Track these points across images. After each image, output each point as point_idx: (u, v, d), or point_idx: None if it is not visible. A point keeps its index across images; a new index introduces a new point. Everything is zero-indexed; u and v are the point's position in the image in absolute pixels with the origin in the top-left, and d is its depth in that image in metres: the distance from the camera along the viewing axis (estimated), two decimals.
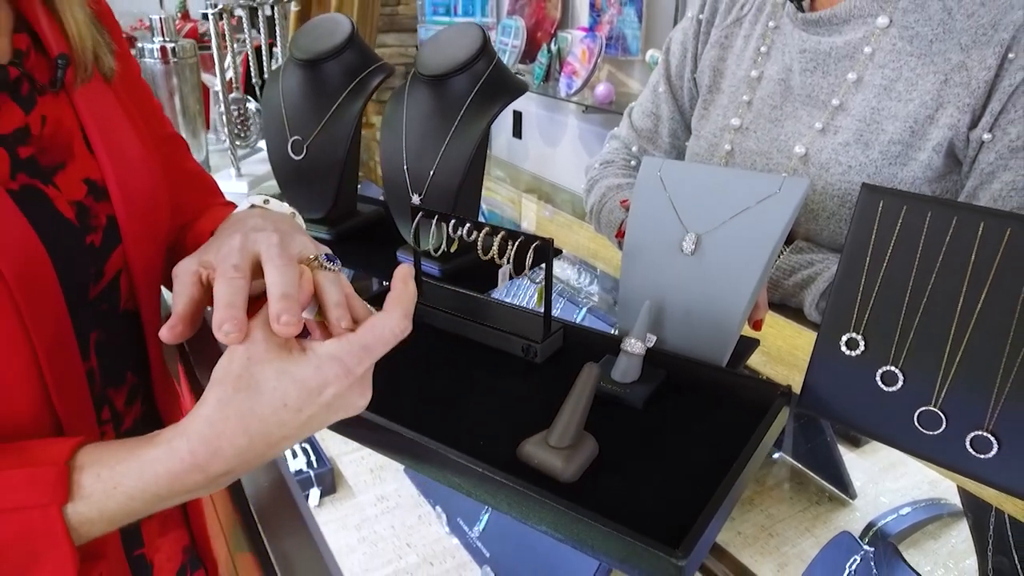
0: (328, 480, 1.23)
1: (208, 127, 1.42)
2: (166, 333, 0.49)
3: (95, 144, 0.59)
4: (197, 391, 0.84)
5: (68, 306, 0.54)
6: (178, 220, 0.72)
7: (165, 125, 0.78)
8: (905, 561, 0.67)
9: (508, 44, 2.94)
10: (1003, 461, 0.57)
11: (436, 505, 0.89)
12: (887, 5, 0.83)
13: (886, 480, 0.93)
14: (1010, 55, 0.74)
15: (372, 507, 1.05)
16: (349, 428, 0.64)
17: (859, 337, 0.62)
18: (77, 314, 0.55)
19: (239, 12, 1.26)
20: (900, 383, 0.61)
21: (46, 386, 0.52)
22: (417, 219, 0.75)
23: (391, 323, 0.46)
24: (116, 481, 0.45)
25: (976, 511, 0.80)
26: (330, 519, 1.23)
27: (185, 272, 0.51)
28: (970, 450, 0.58)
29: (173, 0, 2.99)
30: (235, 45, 1.34)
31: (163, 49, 1.22)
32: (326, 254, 0.51)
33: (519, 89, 0.87)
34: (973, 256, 0.56)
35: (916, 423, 0.60)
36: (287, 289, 0.46)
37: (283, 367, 0.44)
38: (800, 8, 0.89)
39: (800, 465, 0.96)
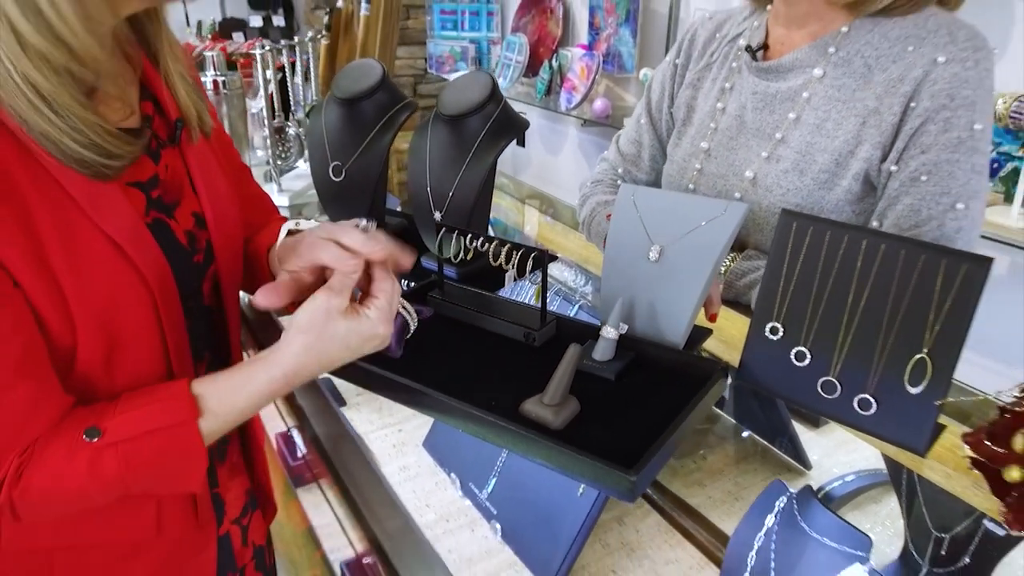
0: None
1: (249, 146, 1.62)
2: (262, 296, 0.72)
3: (198, 187, 0.77)
4: None
5: (182, 304, 0.73)
6: (251, 214, 0.91)
7: (236, 157, 0.97)
8: (817, 499, 0.85)
9: (512, 59, 3.12)
10: (879, 417, 0.76)
11: (451, 473, 1.08)
12: (821, 59, 1.02)
13: (839, 455, 1.12)
14: (912, 104, 0.94)
15: (395, 476, 1.25)
16: (395, 393, 0.84)
17: (779, 325, 0.82)
18: (185, 310, 0.74)
19: (282, 48, 1.46)
20: (808, 360, 0.80)
21: (168, 352, 0.71)
22: (441, 233, 0.95)
23: (396, 286, 0.71)
24: (231, 399, 0.67)
25: (895, 473, 0.99)
26: None
27: (283, 275, 0.73)
28: (857, 409, 0.78)
29: (200, 15, 3.19)
30: (275, 75, 1.54)
31: (215, 83, 1.42)
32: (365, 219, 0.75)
33: (521, 127, 1.07)
34: (859, 265, 0.76)
35: (819, 389, 0.80)
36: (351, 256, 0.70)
37: (349, 324, 0.68)
38: (755, 58, 1.09)
39: (765, 442, 1.16)
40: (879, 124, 0.96)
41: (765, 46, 1.08)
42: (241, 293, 0.90)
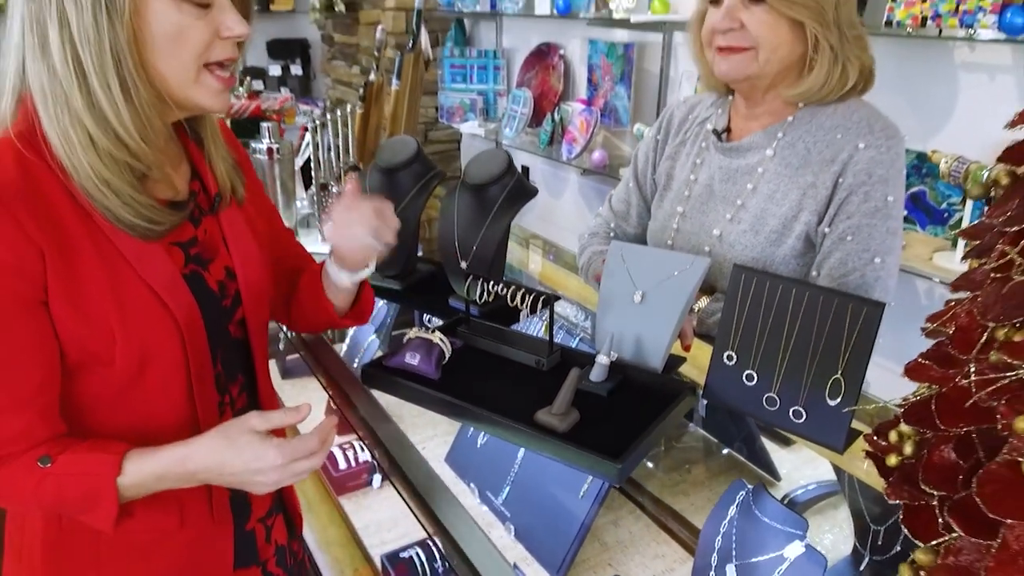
0: (383, 469, 1.65)
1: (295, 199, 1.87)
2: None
3: (231, 247, 0.95)
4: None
5: (208, 339, 0.89)
6: (288, 263, 1.12)
7: (267, 201, 1.13)
8: (769, 493, 1.08)
9: (518, 111, 3.37)
10: (809, 424, 1.00)
11: (470, 483, 1.28)
12: (772, 142, 1.28)
13: (806, 469, 1.33)
14: (840, 180, 1.19)
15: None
16: (435, 405, 1.07)
17: (734, 353, 1.06)
18: (212, 342, 0.90)
19: (327, 121, 1.72)
20: (755, 380, 1.04)
21: (191, 384, 0.88)
22: (468, 280, 1.20)
23: (307, 445, 0.84)
24: (144, 472, 0.82)
25: (840, 477, 1.21)
26: (388, 496, 1.66)
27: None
28: (792, 418, 1.01)
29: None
30: (314, 138, 1.79)
31: (269, 150, 1.69)
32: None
33: (532, 194, 1.32)
34: (791, 308, 1.00)
35: (764, 403, 1.04)
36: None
37: (252, 442, 0.82)
38: (720, 140, 1.34)
39: (741, 458, 1.38)
40: (815, 195, 1.21)
41: (728, 130, 1.34)
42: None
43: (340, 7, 4.16)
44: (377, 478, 1.61)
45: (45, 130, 0.79)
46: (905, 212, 1.93)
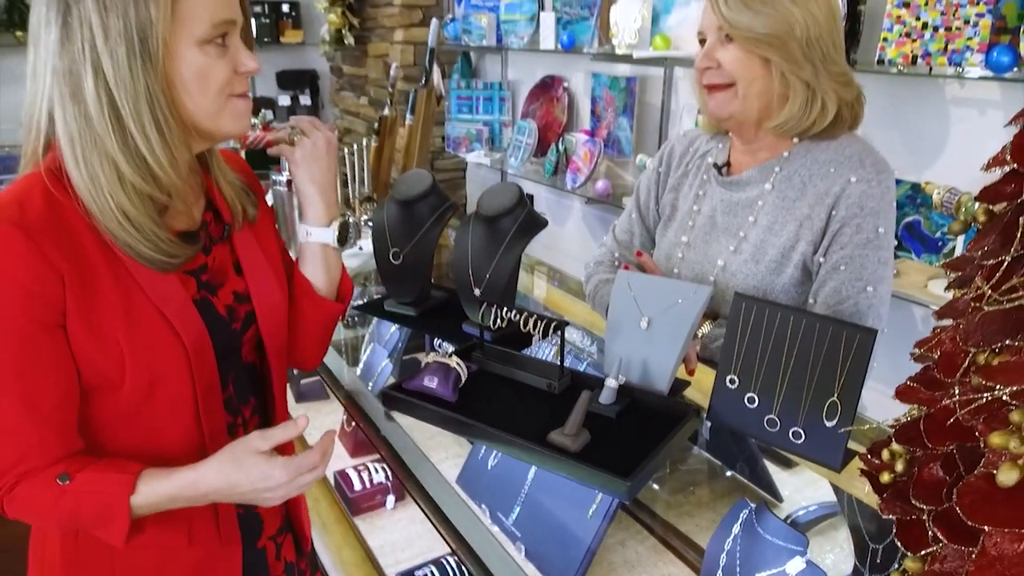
0: (400, 490, 1.71)
1: None
2: None
3: (244, 269, 1.00)
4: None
5: (217, 361, 0.94)
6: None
7: (276, 234, 1.16)
8: (772, 513, 1.13)
9: (523, 142, 3.45)
10: (808, 444, 1.05)
11: (481, 504, 1.33)
12: (771, 176, 1.34)
13: (807, 491, 1.38)
14: (833, 212, 1.26)
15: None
16: (452, 425, 1.13)
17: (736, 377, 1.12)
18: (223, 365, 0.96)
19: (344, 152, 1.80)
20: (757, 403, 1.10)
21: (199, 406, 0.93)
22: (483, 307, 1.26)
23: (310, 460, 0.90)
24: (157, 492, 0.87)
25: (840, 498, 1.25)
26: (402, 517, 1.71)
27: None
28: (791, 439, 1.07)
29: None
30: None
31: (288, 182, 1.76)
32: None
33: (542, 225, 1.39)
34: (789, 334, 1.06)
35: (765, 425, 1.09)
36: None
37: (258, 463, 0.88)
38: (720, 173, 1.41)
39: (744, 480, 1.42)
40: (811, 227, 1.27)
41: (728, 164, 1.41)
42: None
43: (349, 40, 4.27)
44: (391, 499, 1.66)
45: (70, 173, 0.85)
46: (900, 241, 2.00)
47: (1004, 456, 0.57)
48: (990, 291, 0.60)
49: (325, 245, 1.12)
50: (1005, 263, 0.69)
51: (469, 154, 3.71)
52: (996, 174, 0.75)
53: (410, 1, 3.87)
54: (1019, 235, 0.69)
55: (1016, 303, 0.59)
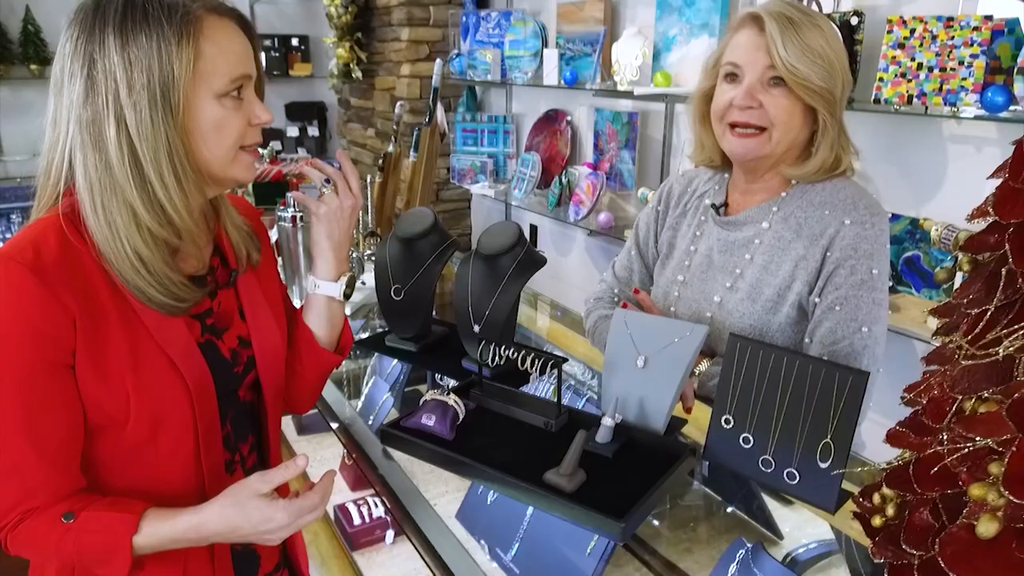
0: (397, 525, 1.71)
1: None
2: None
3: (247, 314, 1.04)
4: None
5: (218, 400, 0.97)
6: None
7: (278, 279, 1.19)
8: (768, 553, 1.13)
9: (527, 174, 3.49)
10: (802, 485, 1.06)
11: (480, 539, 1.34)
12: (768, 216, 1.36)
13: (807, 528, 1.38)
14: (828, 253, 1.27)
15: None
16: (448, 464, 1.14)
17: (731, 417, 1.13)
18: (222, 404, 0.98)
19: None
20: (751, 443, 1.11)
21: (199, 444, 0.96)
22: (481, 344, 1.27)
23: (310, 502, 0.92)
24: (159, 534, 0.88)
25: (838, 538, 1.26)
26: (400, 552, 1.71)
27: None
28: (786, 479, 1.07)
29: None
30: None
31: (293, 218, 1.79)
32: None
33: (540, 263, 1.41)
34: (783, 375, 1.07)
35: (760, 465, 1.10)
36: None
37: (260, 505, 0.89)
38: (718, 213, 1.44)
39: (745, 516, 1.42)
40: (806, 267, 1.29)
41: (726, 204, 1.43)
42: None
43: (357, 73, 4.35)
44: (390, 534, 1.66)
45: (87, 218, 0.88)
46: (900, 276, 2.01)
47: (985, 507, 0.58)
48: (967, 345, 0.61)
49: (330, 298, 1.14)
50: (988, 312, 0.70)
51: (474, 185, 3.75)
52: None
53: (417, 37, 3.94)
54: (1001, 285, 0.70)
55: (993, 357, 0.60)
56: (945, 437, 0.74)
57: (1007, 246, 0.69)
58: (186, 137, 0.90)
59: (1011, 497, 0.54)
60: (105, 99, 0.86)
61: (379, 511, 1.67)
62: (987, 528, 0.56)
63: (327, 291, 1.13)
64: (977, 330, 0.70)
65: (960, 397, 0.72)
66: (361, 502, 1.69)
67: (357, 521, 1.64)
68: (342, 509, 1.69)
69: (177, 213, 0.90)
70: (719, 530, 1.40)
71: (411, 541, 1.10)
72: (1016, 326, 0.59)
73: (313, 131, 5.24)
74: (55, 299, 0.85)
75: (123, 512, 0.89)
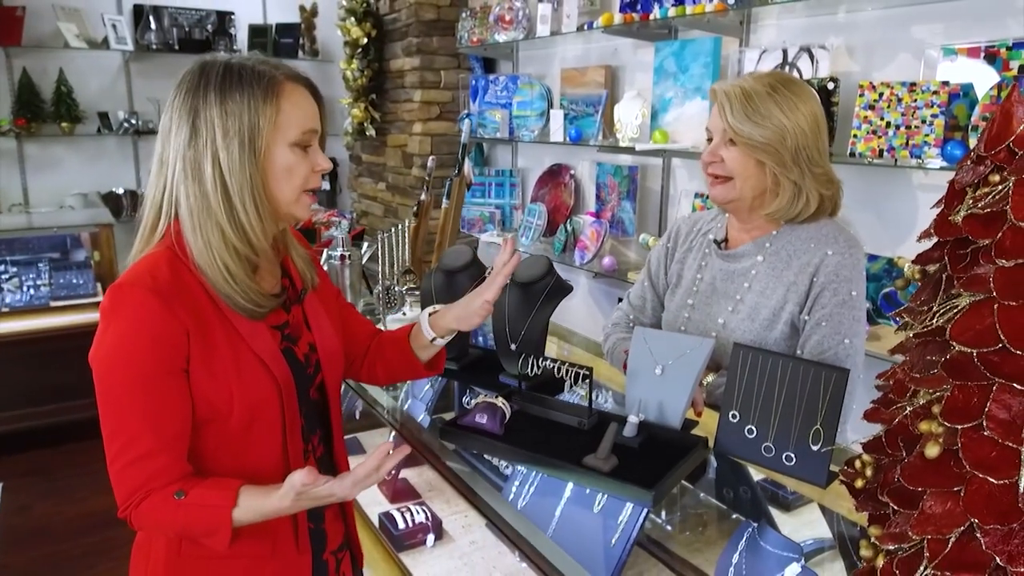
0: (438, 529, 1.91)
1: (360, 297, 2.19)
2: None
3: (312, 326, 1.24)
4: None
5: (297, 399, 1.15)
6: (357, 328, 1.40)
7: (332, 287, 1.41)
8: (771, 527, 1.33)
9: (533, 223, 3.74)
10: (798, 465, 1.27)
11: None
12: (762, 251, 1.61)
13: (805, 530, 1.57)
14: (815, 279, 1.51)
15: (467, 546, 1.71)
16: (500, 453, 1.34)
17: (737, 412, 1.34)
18: (299, 402, 1.16)
19: (386, 233, 2.07)
20: (755, 433, 1.32)
21: (285, 434, 1.15)
22: (521, 358, 1.49)
23: (344, 486, 1.04)
24: (253, 506, 1.04)
25: (829, 518, 1.45)
26: (441, 554, 1.89)
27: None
28: (784, 462, 1.29)
29: None
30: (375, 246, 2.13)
31: (342, 256, 2.03)
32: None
33: (568, 290, 1.64)
34: (779, 376, 1.30)
35: (762, 451, 1.31)
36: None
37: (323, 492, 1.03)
38: (719, 248, 1.68)
39: (748, 520, 1.61)
40: (797, 291, 1.53)
41: (726, 240, 1.68)
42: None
43: (371, 132, 4.64)
44: (431, 537, 1.83)
45: (187, 238, 1.09)
46: (880, 309, 2.25)
47: (930, 437, 0.80)
48: (914, 322, 0.84)
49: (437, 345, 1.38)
50: (933, 309, 0.94)
51: (483, 234, 4.00)
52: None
53: (428, 98, 4.25)
54: (943, 287, 0.94)
55: (930, 328, 0.83)
56: (908, 409, 0.97)
57: (946, 257, 0.93)
58: (264, 176, 1.10)
59: (947, 424, 0.76)
60: (205, 142, 1.07)
61: (420, 517, 1.85)
62: (932, 451, 0.78)
63: (440, 343, 1.38)
64: (924, 320, 0.93)
65: (919, 375, 0.95)
66: (404, 509, 1.87)
67: (401, 525, 1.82)
68: (387, 516, 1.87)
69: (255, 235, 1.10)
70: (727, 533, 1.58)
71: (495, 525, 1.28)
72: (946, 304, 0.82)
73: (324, 185, 5.51)
74: (172, 315, 1.05)
75: (223, 490, 1.05)
